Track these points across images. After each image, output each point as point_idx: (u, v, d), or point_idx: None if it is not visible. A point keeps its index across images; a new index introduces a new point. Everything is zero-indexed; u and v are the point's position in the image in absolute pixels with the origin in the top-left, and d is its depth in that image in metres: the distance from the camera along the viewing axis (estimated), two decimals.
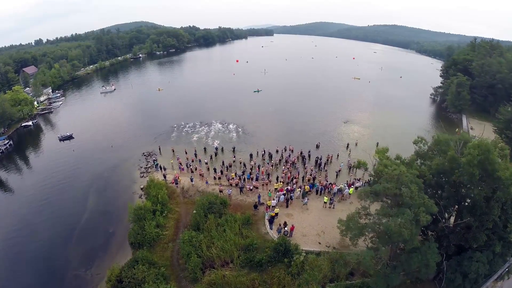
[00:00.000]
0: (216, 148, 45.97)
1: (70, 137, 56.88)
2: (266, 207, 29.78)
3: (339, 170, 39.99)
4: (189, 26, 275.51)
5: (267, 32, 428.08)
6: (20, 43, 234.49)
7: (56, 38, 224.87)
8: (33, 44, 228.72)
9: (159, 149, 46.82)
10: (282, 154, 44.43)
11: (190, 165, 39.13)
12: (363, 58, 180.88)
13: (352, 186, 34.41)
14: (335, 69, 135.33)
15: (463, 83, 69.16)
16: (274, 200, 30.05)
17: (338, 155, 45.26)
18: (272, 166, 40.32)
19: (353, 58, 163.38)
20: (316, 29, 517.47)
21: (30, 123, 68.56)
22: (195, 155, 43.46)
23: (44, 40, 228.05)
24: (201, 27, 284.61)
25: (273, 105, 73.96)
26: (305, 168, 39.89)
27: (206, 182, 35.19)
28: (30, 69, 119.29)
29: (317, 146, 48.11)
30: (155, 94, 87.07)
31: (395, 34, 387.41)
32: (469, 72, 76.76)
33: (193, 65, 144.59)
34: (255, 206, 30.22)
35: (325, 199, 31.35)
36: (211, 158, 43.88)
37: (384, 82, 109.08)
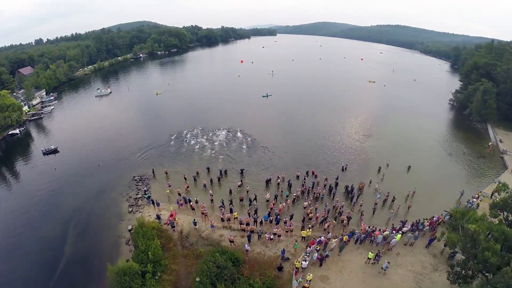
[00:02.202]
0: (221, 172, 37.16)
1: (54, 151, 48.74)
2: (295, 270, 21.47)
3: (376, 204, 31.59)
4: (191, 25, 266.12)
5: (270, 32, 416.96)
6: (20, 43, 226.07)
7: (56, 37, 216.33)
8: (33, 43, 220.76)
9: (153, 172, 38.10)
10: (303, 182, 35.38)
11: (189, 200, 30.32)
12: (371, 58, 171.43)
13: (399, 231, 26.12)
14: (346, 71, 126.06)
15: (490, 90, 61.39)
16: (305, 261, 21.76)
17: (370, 182, 36.74)
18: (294, 200, 31.63)
19: (362, 59, 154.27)
20: (319, 29, 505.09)
21: (17, 131, 60.57)
22: (195, 178, 35.33)
23: (45, 40, 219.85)
24: (204, 27, 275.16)
25: (285, 113, 65.23)
26: (336, 205, 30.78)
27: (212, 226, 26.72)
28: (26, 70, 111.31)
29: (344, 169, 39.48)
30: (153, 99, 78.53)
31: (399, 34, 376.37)
32: (492, 77, 68.99)
33: (196, 66, 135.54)
34: (279, 268, 21.85)
35: (370, 254, 22.96)
36: (212, 181, 35.43)
37: (399, 85, 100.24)
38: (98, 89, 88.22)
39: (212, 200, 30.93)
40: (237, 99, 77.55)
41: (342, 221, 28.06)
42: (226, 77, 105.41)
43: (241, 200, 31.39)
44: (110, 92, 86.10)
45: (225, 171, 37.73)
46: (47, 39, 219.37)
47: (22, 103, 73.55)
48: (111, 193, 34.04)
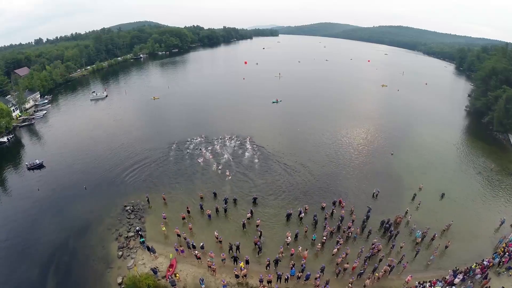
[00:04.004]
0: (226, 201, 30.48)
1: (40, 166, 42.58)
2: None
3: (417, 243, 25.45)
4: (193, 25, 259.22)
5: (272, 32, 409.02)
6: (20, 43, 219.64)
7: (56, 37, 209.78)
8: (33, 43, 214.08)
9: (148, 200, 31.57)
10: (330, 212, 29.15)
11: (193, 245, 23.68)
12: (377, 60, 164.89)
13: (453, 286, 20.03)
14: (356, 74, 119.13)
15: None
16: None
17: (406, 213, 30.48)
18: (321, 244, 24.97)
19: (369, 61, 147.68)
20: (321, 29, 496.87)
21: (5, 139, 54.51)
22: (202, 206, 29.13)
23: (44, 40, 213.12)
24: (205, 27, 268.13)
25: (298, 121, 58.57)
26: (373, 248, 24.62)
27: (224, 286, 20.23)
28: (22, 71, 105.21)
29: (375, 196, 33.07)
30: (150, 104, 72.00)
31: (401, 35, 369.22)
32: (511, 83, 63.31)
33: (197, 67, 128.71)
34: None
35: None
36: (217, 210, 29.12)
37: (412, 89, 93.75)
38: (94, 92, 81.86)
39: (220, 240, 24.62)
40: (243, 104, 71.19)
41: (385, 271, 21.90)
42: (230, 80, 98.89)
43: (255, 244, 24.84)
44: (106, 96, 79.86)
45: (234, 199, 31.09)
46: (47, 39, 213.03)
47: (13, 108, 67.60)
48: (97, 227, 27.67)
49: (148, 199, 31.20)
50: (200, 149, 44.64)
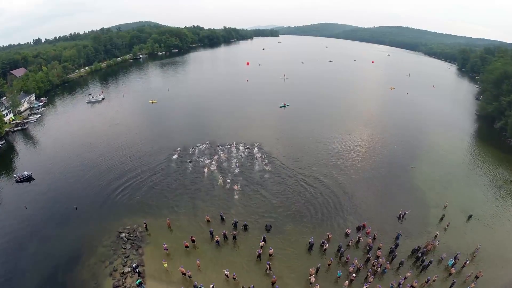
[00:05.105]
0: (235, 224, 26.70)
1: (29, 178, 38.79)
2: None
3: (450, 274, 21.98)
4: (193, 26, 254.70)
5: (273, 32, 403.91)
6: (19, 43, 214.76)
7: (55, 37, 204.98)
8: (31, 43, 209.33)
9: (145, 227, 27.00)
10: (356, 239, 25.39)
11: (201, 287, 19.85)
12: (381, 61, 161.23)
13: None
14: (363, 76, 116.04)
15: None
16: None
17: (435, 237, 26.94)
18: (349, 282, 21.38)
19: (372, 62, 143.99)
20: (321, 30, 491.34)
21: None
22: (212, 233, 25.31)
23: (43, 40, 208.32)
24: (205, 28, 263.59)
25: (309, 129, 54.17)
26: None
27: None
28: (19, 72, 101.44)
29: (401, 217, 29.48)
30: (149, 108, 68.03)
31: (401, 36, 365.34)
32: None
33: (198, 68, 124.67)
34: None
35: None
36: (226, 237, 25.35)
37: (420, 93, 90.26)
38: (90, 94, 77.91)
39: (234, 277, 20.87)
40: (249, 108, 67.30)
41: None
42: (233, 82, 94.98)
43: (273, 284, 21.06)
44: (103, 99, 75.94)
45: (245, 226, 27.11)
46: (46, 39, 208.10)
47: (6, 111, 63.64)
48: (89, 258, 23.79)
49: (146, 225, 26.99)
50: (204, 157, 40.91)
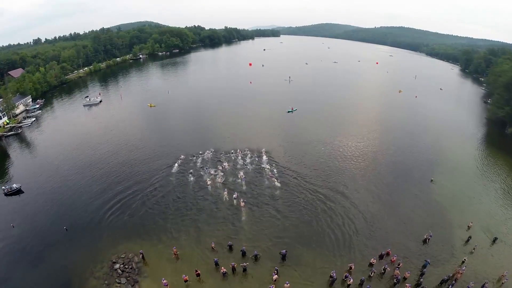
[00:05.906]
0: (244, 254, 23.64)
1: (18, 191, 35.76)
2: None
3: None
4: (194, 25, 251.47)
5: (274, 33, 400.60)
6: (19, 43, 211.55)
7: (55, 37, 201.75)
8: (31, 43, 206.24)
9: (142, 256, 23.69)
10: (382, 269, 22.26)
11: None
12: (385, 62, 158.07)
13: None
14: (370, 78, 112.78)
15: None
16: None
17: (463, 262, 24.03)
18: None
19: (377, 63, 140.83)
20: (322, 30, 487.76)
21: None
22: (217, 262, 22.31)
23: (43, 40, 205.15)
24: (206, 27, 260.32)
25: (320, 137, 50.41)
26: None
27: None
28: (17, 72, 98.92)
29: (425, 241, 26.34)
30: (147, 112, 64.78)
31: (403, 36, 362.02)
32: None
33: (199, 69, 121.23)
34: None
35: None
36: (234, 270, 22.12)
37: (428, 96, 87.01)
38: (87, 97, 74.68)
39: None
40: (254, 113, 64.02)
41: None
42: (236, 84, 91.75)
43: None
44: (100, 101, 72.82)
45: (255, 256, 23.74)
46: (45, 39, 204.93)
47: (0, 115, 60.57)
48: None
49: (142, 255, 23.69)
50: (208, 167, 37.79)
